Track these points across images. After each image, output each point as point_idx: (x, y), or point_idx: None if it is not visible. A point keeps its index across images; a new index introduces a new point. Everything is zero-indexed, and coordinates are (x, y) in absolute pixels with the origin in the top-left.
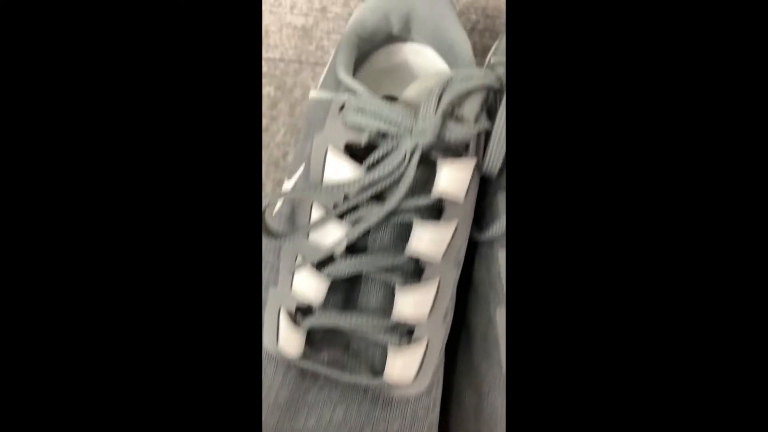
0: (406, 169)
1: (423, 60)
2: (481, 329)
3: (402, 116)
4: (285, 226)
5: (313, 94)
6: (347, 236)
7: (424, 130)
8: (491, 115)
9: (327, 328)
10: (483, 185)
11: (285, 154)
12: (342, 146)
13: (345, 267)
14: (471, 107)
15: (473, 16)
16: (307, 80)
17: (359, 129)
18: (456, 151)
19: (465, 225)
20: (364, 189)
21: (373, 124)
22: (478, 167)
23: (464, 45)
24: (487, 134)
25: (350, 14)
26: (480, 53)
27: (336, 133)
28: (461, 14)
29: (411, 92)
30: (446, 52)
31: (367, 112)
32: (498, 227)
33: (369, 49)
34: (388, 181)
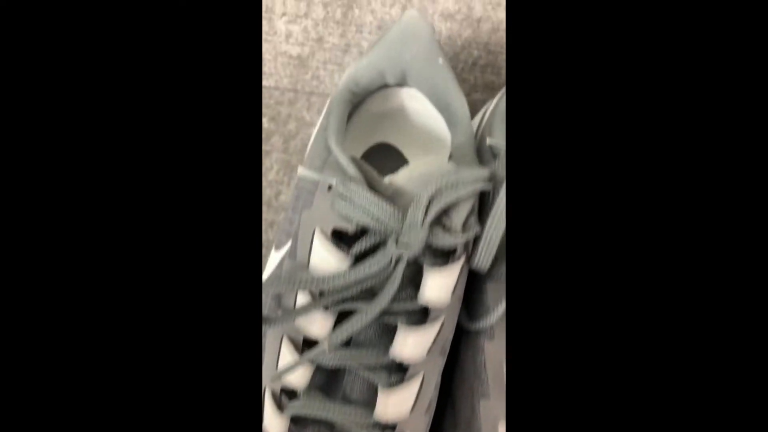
0: (391, 274)
1: (419, 105)
2: (466, 416)
3: (389, 217)
4: (270, 303)
5: (301, 171)
6: (332, 342)
7: (410, 243)
8: (482, 210)
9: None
10: (472, 272)
11: (278, 194)
12: (329, 231)
13: (329, 359)
14: (459, 215)
15: (475, 52)
16: (302, 111)
17: (347, 218)
18: (444, 254)
19: (451, 318)
20: (349, 286)
21: (361, 218)
22: (467, 261)
23: (461, 105)
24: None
25: (347, 45)
26: (481, 89)
27: (324, 215)
28: (462, 49)
29: (402, 178)
30: (443, 109)
31: (355, 204)
32: (486, 321)
33: (363, 99)
34: (373, 282)
